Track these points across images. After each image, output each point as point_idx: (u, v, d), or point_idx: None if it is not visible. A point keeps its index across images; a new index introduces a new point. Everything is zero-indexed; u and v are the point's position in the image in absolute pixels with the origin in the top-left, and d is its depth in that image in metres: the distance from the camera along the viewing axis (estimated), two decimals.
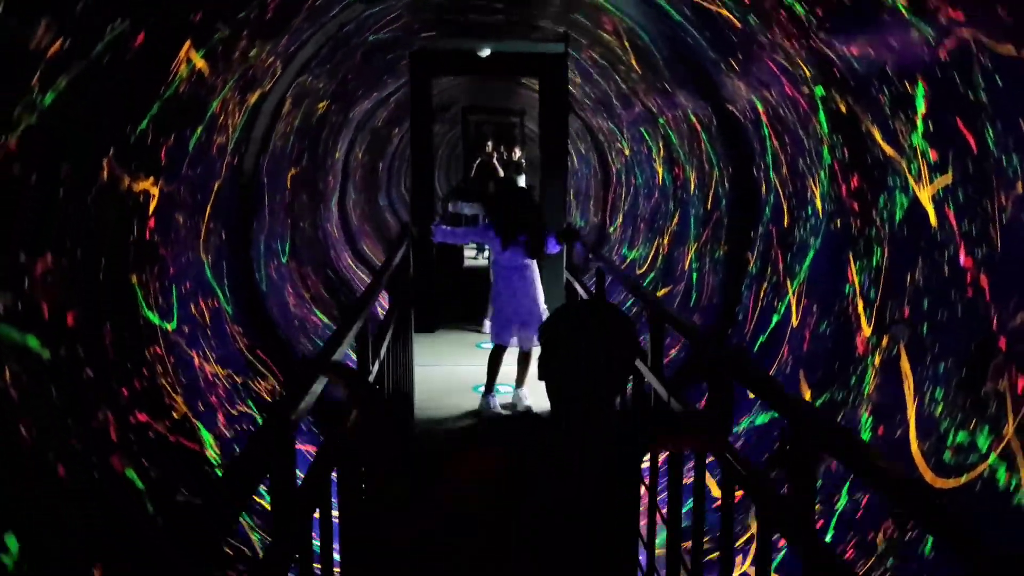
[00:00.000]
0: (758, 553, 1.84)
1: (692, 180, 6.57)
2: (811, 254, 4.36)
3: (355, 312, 2.91)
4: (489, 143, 13.11)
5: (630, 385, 3.08)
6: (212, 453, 3.72)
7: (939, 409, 2.98)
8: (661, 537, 2.87)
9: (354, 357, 3.17)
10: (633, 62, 6.17)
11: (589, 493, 1.89)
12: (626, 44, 5.92)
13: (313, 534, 2.01)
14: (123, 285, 3.35)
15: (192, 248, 4.29)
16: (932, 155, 2.88)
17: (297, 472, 1.95)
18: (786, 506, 1.74)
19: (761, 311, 4.93)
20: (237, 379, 4.52)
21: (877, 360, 3.39)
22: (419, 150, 7.72)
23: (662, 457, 3.19)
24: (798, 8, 3.12)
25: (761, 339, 4.74)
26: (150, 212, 3.58)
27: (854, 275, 3.77)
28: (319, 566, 2.18)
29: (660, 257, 7.54)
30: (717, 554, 2.24)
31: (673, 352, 5.44)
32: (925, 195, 3.04)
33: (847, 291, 3.83)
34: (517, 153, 13.87)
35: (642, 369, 2.95)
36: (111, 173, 3.15)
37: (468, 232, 5.71)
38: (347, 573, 2.42)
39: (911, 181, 3.10)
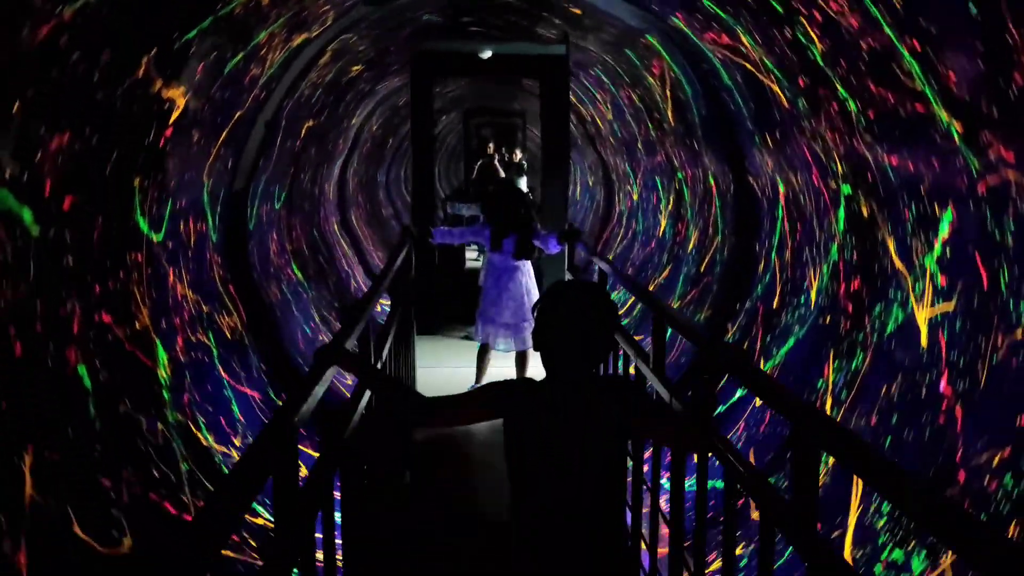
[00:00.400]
0: (760, 553, 1.85)
1: (693, 240, 6.63)
2: (792, 341, 4.41)
3: (357, 314, 2.92)
4: (491, 145, 13.15)
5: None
6: (163, 373, 3.67)
7: (881, 522, 3.02)
8: None
9: None
10: (669, 112, 6.23)
11: (589, 493, 1.91)
12: (667, 93, 5.97)
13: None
14: (125, 184, 3.30)
15: (197, 168, 4.25)
16: (941, 280, 2.93)
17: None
18: (787, 506, 1.75)
19: (727, 382, 4.98)
20: (204, 308, 4.47)
21: (831, 459, 3.43)
22: (420, 151, 7.73)
23: (666, 459, 3.21)
24: (851, 105, 3.16)
25: (720, 408, 4.78)
26: (171, 121, 3.54)
27: (830, 372, 3.81)
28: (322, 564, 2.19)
29: (639, 306, 7.59)
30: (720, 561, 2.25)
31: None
32: (923, 316, 3.09)
33: (819, 386, 3.88)
34: (518, 155, 13.93)
35: (644, 371, 2.98)
36: (146, 72, 3.11)
37: (465, 232, 5.74)
38: (349, 573, 2.44)
39: (912, 299, 3.16)
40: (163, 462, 3.34)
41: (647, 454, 3.33)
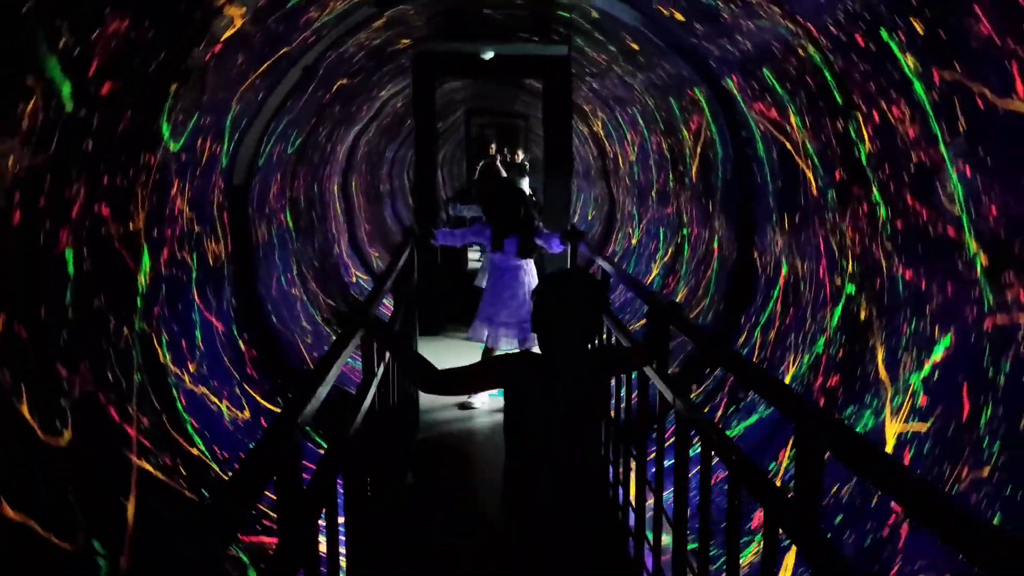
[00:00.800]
0: (764, 553, 1.85)
1: (680, 296, 6.68)
2: (754, 418, 4.45)
3: (366, 305, 2.95)
4: (492, 146, 13.18)
5: (635, 388, 3.28)
6: (143, 280, 3.62)
7: None
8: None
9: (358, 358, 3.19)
10: (694, 168, 6.28)
11: (589, 492, 1.96)
12: (698, 150, 6.03)
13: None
14: (163, 86, 3.27)
15: (231, 91, 4.22)
16: (922, 400, 2.97)
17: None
18: (791, 506, 1.75)
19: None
20: (196, 228, 4.43)
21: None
22: (423, 152, 7.77)
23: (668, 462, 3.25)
24: (882, 211, 3.21)
25: (667, 463, 4.81)
26: (223, 38, 3.52)
27: (785, 458, 3.85)
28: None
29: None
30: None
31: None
32: (893, 429, 3.13)
33: (771, 468, 3.91)
34: (520, 155, 13.97)
35: (647, 370, 3.03)
36: None
37: (467, 233, 5.76)
38: (353, 574, 2.47)
39: (888, 410, 3.20)
40: (119, 367, 3.29)
41: (650, 455, 3.35)
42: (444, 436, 5.30)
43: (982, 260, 2.54)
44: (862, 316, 3.59)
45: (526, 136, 16.64)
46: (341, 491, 2.37)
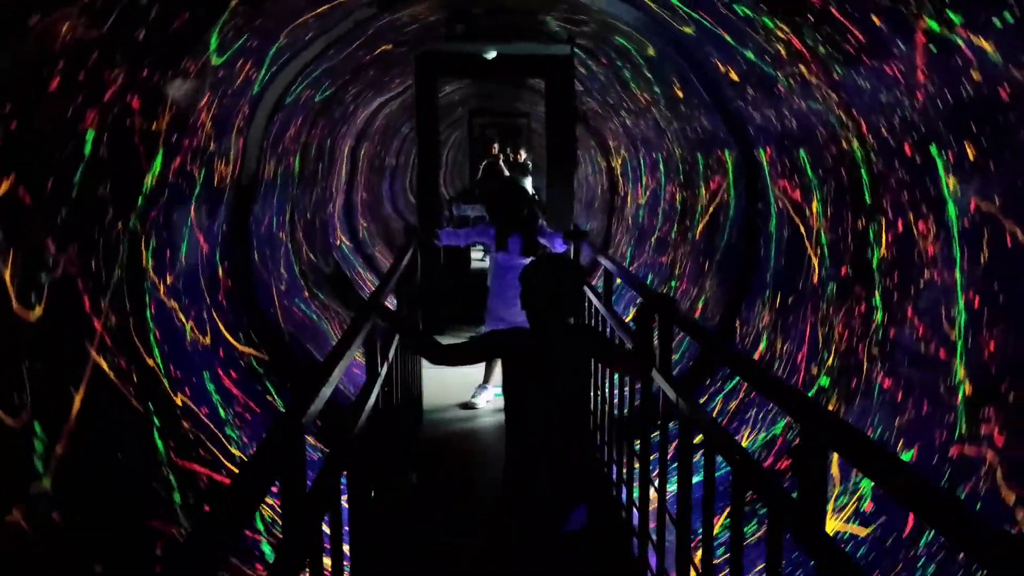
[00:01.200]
0: (768, 552, 1.86)
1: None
2: (697, 478, 4.49)
3: (363, 315, 2.97)
4: (495, 146, 13.22)
5: (638, 387, 3.39)
6: (148, 182, 3.59)
7: None
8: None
9: (362, 360, 3.20)
10: (701, 225, 6.35)
11: (589, 485, 2.01)
12: (710, 208, 6.09)
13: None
14: (214, 16, 3.29)
15: (283, 24, 4.25)
16: (868, 505, 3.02)
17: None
18: (795, 505, 1.76)
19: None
20: (212, 145, 4.41)
21: None
22: (425, 152, 7.79)
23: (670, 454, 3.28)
24: (879, 315, 3.27)
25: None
26: None
27: (718, 527, 3.89)
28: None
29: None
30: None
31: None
32: (831, 526, 3.18)
33: (698, 530, 3.96)
34: (523, 155, 13.99)
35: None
36: None
37: (470, 233, 5.77)
38: (356, 574, 2.50)
39: (831, 506, 3.25)
40: (104, 260, 3.26)
41: (653, 455, 3.37)
42: (447, 436, 5.36)
43: (966, 389, 2.59)
44: (833, 413, 3.64)
45: (528, 135, 16.70)
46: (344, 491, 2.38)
